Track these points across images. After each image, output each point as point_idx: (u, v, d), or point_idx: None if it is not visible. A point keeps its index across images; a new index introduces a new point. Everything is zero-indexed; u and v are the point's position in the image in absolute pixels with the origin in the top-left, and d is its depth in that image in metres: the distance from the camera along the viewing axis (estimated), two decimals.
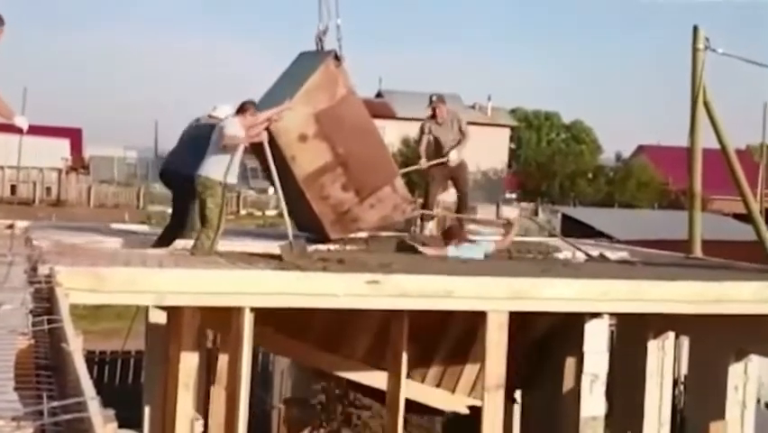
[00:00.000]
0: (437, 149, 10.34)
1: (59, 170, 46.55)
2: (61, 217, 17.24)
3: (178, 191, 8.87)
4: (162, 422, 8.26)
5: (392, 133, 50.26)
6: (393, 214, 9.08)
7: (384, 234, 10.33)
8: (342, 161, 8.74)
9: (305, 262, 7.46)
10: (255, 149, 8.53)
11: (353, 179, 8.78)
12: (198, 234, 8.07)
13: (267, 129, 8.33)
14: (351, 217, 8.84)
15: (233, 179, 8.12)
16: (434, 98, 10.33)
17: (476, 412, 8.85)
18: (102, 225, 10.69)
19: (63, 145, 51.90)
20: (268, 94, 9.05)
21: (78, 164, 53.63)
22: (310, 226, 8.82)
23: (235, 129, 8.02)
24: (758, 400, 10.74)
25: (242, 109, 8.24)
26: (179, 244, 8.27)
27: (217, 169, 8.00)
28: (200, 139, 8.34)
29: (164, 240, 8.75)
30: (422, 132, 10.61)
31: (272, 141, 8.37)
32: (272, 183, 8.67)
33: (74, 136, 56.23)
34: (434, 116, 10.28)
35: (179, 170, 8.53)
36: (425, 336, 8.75)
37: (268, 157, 8.16)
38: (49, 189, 44.63)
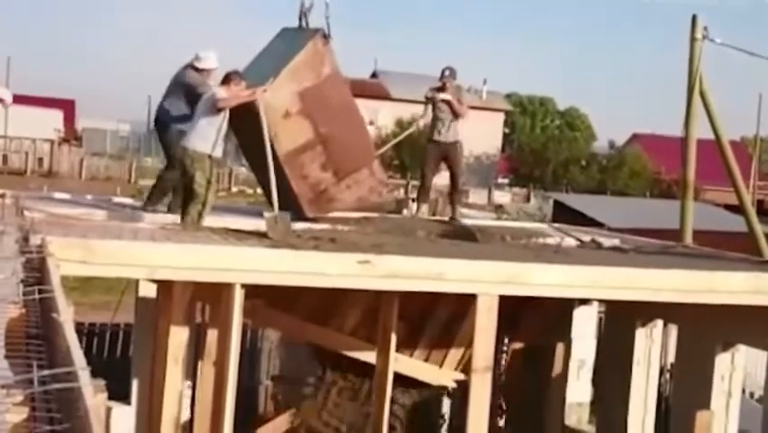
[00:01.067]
0: (436, 122, 10.22)
1: (52, 142, 46.32)
2: (53, 189, 17.15)
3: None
4: (150, 395, 8.27)
5: (386, 115, 50.19)
6: (369, 196, 9.07)
7: (376, 215, 10.33)
8: (323, 140, 8.68)
9: (295, 239, 7.45)
10: (235, 122, 8.47)
11: (333, 158, 8.73)
12: (187, 208, 8.04)
13: (248, 105, 8.27)
14: (327, 197, 8.79)
15: (219, 152, 8.08)
16: (446, 72, 10.17)
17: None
18: (94, 198, 10.65)
19: (56, 116, 51.67)
20: (247, 69, 8.96)
21: (71, 136, 53.40)
22: (287, 204, 8.77)
23: (225, 93, 7.99)
24: (744, 391, 10.83)
25: (227, 79, 8.19)
26: (169, 218, 8.25)
27: (205, 141, 7.95)
28: (171, 85, 8.57)
29: (156, 192, 8.80)
30: (427, 100, 10.46)
31: (254, 117, 8.30)
32: (247, 157, 8.66)
33: (67, 108, 55.96)
34: (441, 89, 10.13)
35: (158, 117, 8.80)
36: (414, 314, 8.78)
37: (262, 120, 8.01)
38: (41, 160, 44.41)
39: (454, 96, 10.11)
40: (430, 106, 10.25)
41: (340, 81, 8.98)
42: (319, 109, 8.64)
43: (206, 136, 7.97)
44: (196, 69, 8.74)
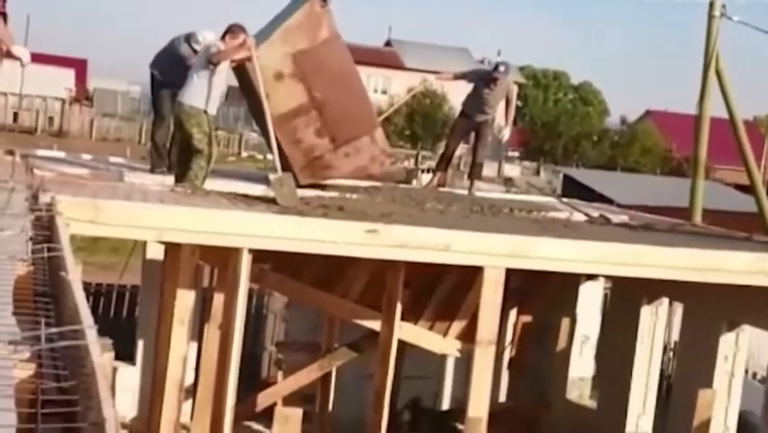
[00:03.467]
0: (480, 104, 10.21)
1: (63, 101, 46.29)
2: (63, 148, 17.17)
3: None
4: (155, 357, 8.34)
5: (399, 84, 49.97)
6: (370, 165, 8.90)
7: (385, 184, 10.33)
8: (318, 105, 8.53)
9: (303, 206, 7.46)
10: (244, 83, 8.42)
11: (329, 125, 8.59)
12: (189, 164, 8.01)
13: (242, 66, 8.22)
14: (323, 164, 8.67)
15: (213, 108, 8.04)
16: (501, 68, 10.10)
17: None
18: (104, 159, 10.68)
19: (68, 75, 51.57)
20: (258, 35, 8.90)
21: (82, 96, 53.35)
22: (287, 169, 8.72)
23: (220, 47, 7.96)
24: (747, 371, 10.86)
25: (229, 30, 8.13)
26: (171, 179, 8.25)
27: (199, 96, 7.91)
28: (163, 51, 8.70)
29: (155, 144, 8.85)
30: (464, 77, 10.50)
31: (248, 77, 8.25)
32: (256, 120, 8.60)
33: (79, 67, 55.86)
34: (492, 82, 10.07)
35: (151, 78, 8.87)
36: (421, 282, 8.79)
37: (258, 77, 7.94)
38: (51, 119, 44.42)
39: (503, 93, 10.14)
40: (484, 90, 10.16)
41: (339, 46, 8.79)
42: (314, 73, 8.47)
43: (201, 91, 7.92)
44: (193, 49, 8.69)
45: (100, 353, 2.54)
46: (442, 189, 10.67)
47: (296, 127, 8.43)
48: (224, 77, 8.09)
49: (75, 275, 3.49)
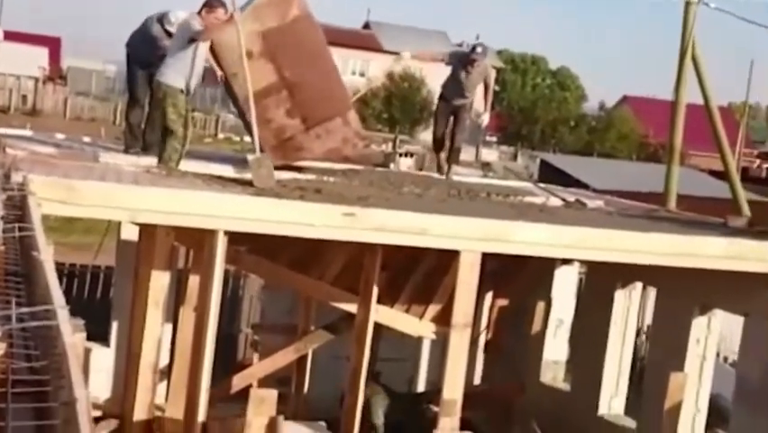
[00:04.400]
0: (458, 88, 10.22)
1: (36, 79, 45.77)
2: (36, 128, 17.00)
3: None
4: (130, 338, 8.31)
5: (377, 67, 49.84)
6: (342, 147, 8.79)
7: (363, 167, 10.31)
8: (288, 84, 8.41)
9: (280, 188, 7.43)
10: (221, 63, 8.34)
11: (300, 105, 8.48)
12: (164, 145, 7.96)
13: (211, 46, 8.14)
14: (294, 145, 8.57)
15: (191, 87, 7.94)
16: (478, 50, 10.09)
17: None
18: (77, 138, 10.57)
19: (41, 54, 50.96)
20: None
21: (56, 74, 52.76)
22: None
23: (199, 23, 7.84)
24: (718, 355, 10.99)
25: (207, 4, 8.00)
26: (146, 160, 8.18)
27: (178, 75, 7.83)
28: (137, 32, 8.57)
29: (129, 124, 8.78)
30: (441, 59, 10.55)
31: (216, 56, 8.17)
32: (232, 100, 8.51)
33: (53, 45, 55.21)
34: (469, 64, 10.05)
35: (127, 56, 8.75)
36: (398, 265, 8.80)
37: (242, 50, 7.84)
38: (24, 98, 43.93)
39: (481, 76, 10.14)
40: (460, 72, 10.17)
41: (311, 26, 8.66)
42: (284, 52, 8.36)
43: (179, 70, 7.84)
44: (165, 30, 8.58)
45: (72, 333, 2.52)
46: (420, 173, 10.70)
47: (266, 107, 8.29)
48: (204, 55, 8.01)
49: (47, 255, 3.46)
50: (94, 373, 8.96)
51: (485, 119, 10.77)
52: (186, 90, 7.91)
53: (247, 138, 9.26)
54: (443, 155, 10.62)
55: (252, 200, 6.76)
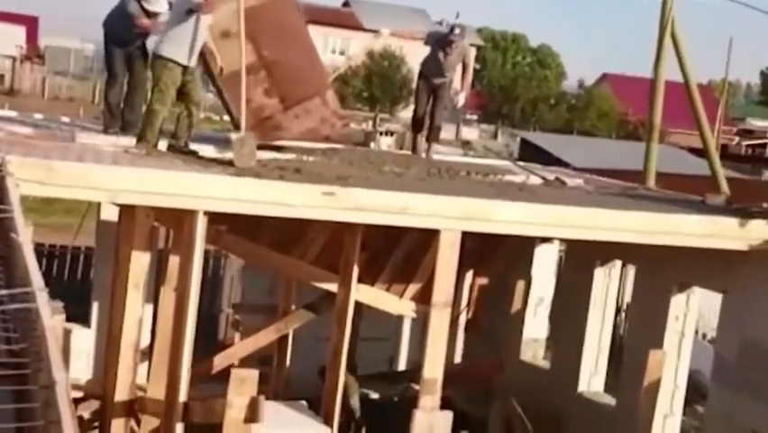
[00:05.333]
0: (437, 67, 10.21)
1: (13, 59, 45.24)
2: (14, 108, 16.83)
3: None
4: (110, 319, 8.29)
5: (357, 45, 49.61)
6: (321, 127, 8.77)
7: (343, 147, 10.29)
8: (266, 64, 8.37)
9: (260, 168, 7.40)
10: None
11: (278, 85, 8.45)
12: (146, 120, 7.82)
13: None
14: (272, 125, 8.54)
15: (192, 61, 7.87)
16: (456, 30, 10.05)
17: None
18: (56, 118, 10.48)
19: (18, 32, 50.34)
20: None
21: (33, 54, 52.13)
22: (235, 127, 8.60)
23: None
24: (697, 332, 11.11)
25: None
26: (125, 140, 8.13)
27: (176, 47, 7.71)
28: (115, 9, 8.42)
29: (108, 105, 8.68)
30: (421, 39, 10.55)
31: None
32: (211, 80, 8.46)
33: (30, 24, 54.50)
34: (447, 45, 10.04)
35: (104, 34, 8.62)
36: (378, 244, 8.81)
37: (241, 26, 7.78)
38: (2, 77, 43.45)
39: (460, 56, 10.12)
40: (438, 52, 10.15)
41: (289, 5, 8.64)
42: (262, 32, 8.31)
43: (177, 42, 7.73)
44: (143, 8, 8.48)
45: (51, 315, 2.52)
46: (399, 152, 10.67)
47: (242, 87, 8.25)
48: (205, 29, 7.92)
49: (25, 237, 3.44)
50: (75, 355, 8.94)
51: (461, 99, 10.74)
52: (184, 64, 7.79)
53: (227, 117, 9.20)
54: (422, 135, 10.62)
55: (232, 180, 6.74)
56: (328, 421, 7.96)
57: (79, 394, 8.56)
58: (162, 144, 8.01)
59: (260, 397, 6.75)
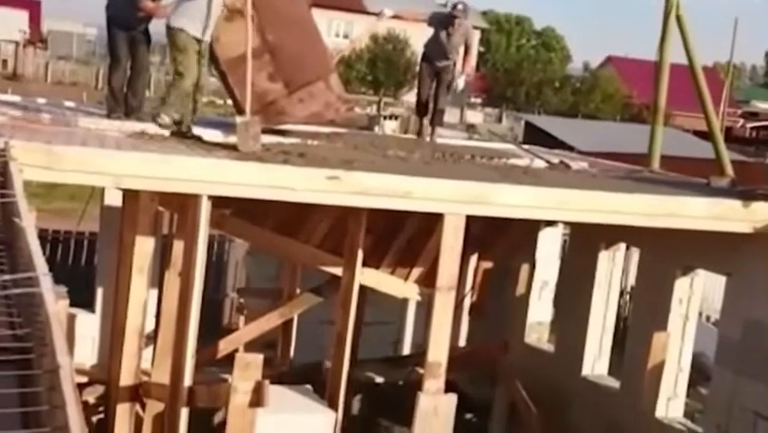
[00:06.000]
0: (440, 49, 10.18)
1: (16, 43, 45.19)
2: (17, 92, 16.83)
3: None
4: (115, 304, 8.30)
5: (360, 28, 49.43)
6: (325, 111, 8.75)
7: (348, 131, 10.27)
8: (270, 48, 8.33)
9: (264, 152, 7.39)
10: None
11: (282, 69, 8.43)
12: (167, 96, 7.77)
13: None
14: (276, 109, 8.52)
15: (207, 35, 7.81)
16: (459, 7, 9.99)
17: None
18: (59, 103, 10.47)
19: (21, 17, 50.24)
20: None
21: (36, 38, 52.07)
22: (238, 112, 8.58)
23: None
24: (701, 314, 11.11)
25: None
26: (137, 126, 8.12)
27: (190, 20, 7.64)
28: None
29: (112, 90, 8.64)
30: (424, 20, 10.50)
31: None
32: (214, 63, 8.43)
33: (33, 8, 54.36)
34: (450, 24, 10.00)
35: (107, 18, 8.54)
36: (382, 229, 8.81)
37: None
38: (5, 62, 43.43)
39: (463, 37, 10.08)
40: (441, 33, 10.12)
41: None
42: (266, 16, 8.26)
43: (192, 16, 7.68)
44: None
45: (55, 300, 2.52)
46: (406, 136, 10.65)
47: (246, 71, 8.23)
48: (220, 3, 7.88)
49: (29, 222, 3.45)
50: (79, 340, 8.96)
51: (460, 83, 10.60)
52: (198, 37, 7.74)
53: (230, 102, 9.16)
54: (427, 119, 10.59)
55: (236, 165, 6.73)
56: (333, 405, 7.99)
57: (84, 379, 8.59)
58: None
59: (264, 381, 6.77)
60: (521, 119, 37.69)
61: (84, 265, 12.17)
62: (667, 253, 8.74)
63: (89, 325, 9.09)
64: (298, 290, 9.75)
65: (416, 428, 7.39)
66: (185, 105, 8.00)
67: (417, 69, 10.96)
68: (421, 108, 10.62)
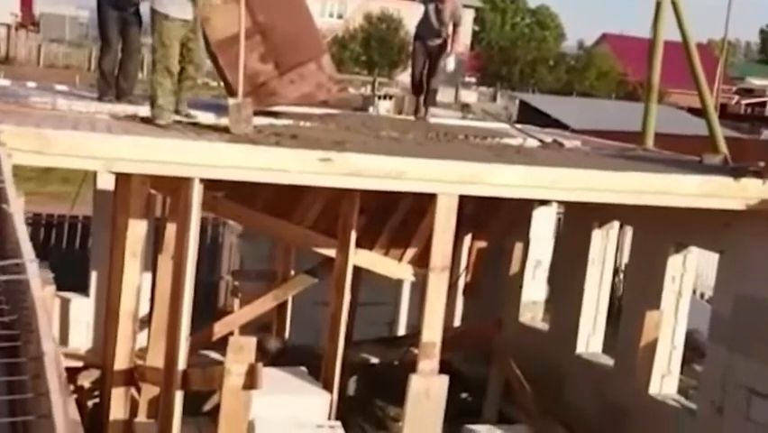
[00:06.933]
0: (430, 28, 10.15)
1: (8, 26, 44.90)
2: (9, 76, 16.74)
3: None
4: (109, 288, 8.30)
5: (353, 5, 49.20)
6: (316, 92, 8.71)
7: (340, 111, 10.24)
8: (261, 29, 8.27)
9: (256, 134, 7.37)
10: None
11: (273, 50, 8.37)
12: (153, 89, 7.56)
13: None
14: (267, 91, 8.46)
15: (188, 13, 7.55)
16: None
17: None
18: (50, 86, 10.41)
19: (13, 0, 49.88)
20: None
21: (28, 21, 51.73)
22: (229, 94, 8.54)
23: None
24: (694, 291, 11.14)
25: None
26: (129, 109, 8.08)
27: (177, 3, 7.43)
28: None
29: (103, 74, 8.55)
30: (423, 1, 10.46)
31: None
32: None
33: None
34: (440, 1, 9.96)
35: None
36: (375, 210, 8.81)
37: None
38: None
39: (451, 15, 10.03)
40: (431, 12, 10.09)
41: None
42: None
43: None
44: None
45: (41, 287, 2.51)
46: (398, 116, 10.61)
47: (238, 52, 8.18)
48: None
49: (17, 207, 3.43)
50: (74, 324, 8.98)
51: (450, 63, 10.48)
52: (182, 18, 7.52)
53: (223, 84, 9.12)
54: (422, 98, 10.56)
55: (227, 147, 6.71)
56: (328, 387, 8.01)
57: (79, 364, 8.61)
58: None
59: (258, 364, 6.78)
60: (516, 98, 37.60)
61: (78, 249, 12.15)
62: (660, 231, 8.75)
63: (84, 309, 9.10)
64: (293, 272, 9.75)
65: (407, 411, 7.41)
66: (175, 94, 7.79)
67: (411, 48, 10.92)
68: (416, 88, 10.59)
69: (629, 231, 10.76)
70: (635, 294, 9.33)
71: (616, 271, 12.07)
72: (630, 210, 8.19)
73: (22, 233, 3.03)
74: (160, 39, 7.50)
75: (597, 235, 9.73)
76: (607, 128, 19.35)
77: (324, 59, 8.76)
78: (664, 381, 8.82)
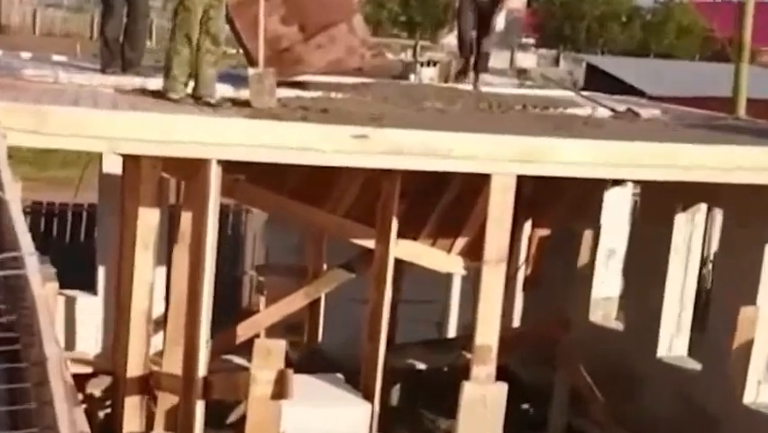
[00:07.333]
0: None
1: None
2: (2, 46, 17.00)
3: None
4: (118, 285, 8.41)
5: None
6: (348, 58, 8.68)
7: (379, 80, 10.25)
8: None
9: (280, 108, 7.40)
10: None
11: (297, 10, 8.34)
12: (169, 62, 7.70)
13: None
14: (292, 58, 8.45)
15: None
16: None
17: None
18: (47, 57, 10.56)
19: None
20: None
21: None
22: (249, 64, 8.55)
23: None
24: None
25: None
26: (136, 82, 8.16)
27: None
28: None
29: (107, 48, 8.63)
30: None
31: None
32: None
33: None
34: None
35: None
36: (419, 194, 8.81)
37: None
38: None
39: None
40: None
41: None
42: None
43: None
44: None
45: (42, 283, 2.55)
46: (444, 85, 10.59)
47: (256, 14, 8.19)
48: None
49: (13, 194, 3.49)
50: (80, 326, 9.11)
51: (500, 21, 10.44)
52: None
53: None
54: (472, 63, 10.53)
55: (248, 124, 6.76)
56: (368, 396, 8.05)
57: (88, 370, 8.74)
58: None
59: (288, 370, 6.83)
60: (582, 61, 37.31)
61: (83, 241, 12.33)
62: (755, 215, 8.64)
63: (91, 309, 9.22)
64: (325, 267, 9.79)
65: (459, 423, 7.42)
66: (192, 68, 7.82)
67: (457, 5, 10.89)
68: (465, 51, 10.56)
69: (719, 215, 10.63)
70: (727, 288, 9.24)
71: (703, 262, 11.94)
72: (719, 190, 8.10)
73: (20, 223, 3.08)
74: (182, 2, 7.57)
75: (680, 220, 9.64)
76: (690, 94, 19.18)
77: (356, 19, 8.76)
78: (761, 388, 8.74)
